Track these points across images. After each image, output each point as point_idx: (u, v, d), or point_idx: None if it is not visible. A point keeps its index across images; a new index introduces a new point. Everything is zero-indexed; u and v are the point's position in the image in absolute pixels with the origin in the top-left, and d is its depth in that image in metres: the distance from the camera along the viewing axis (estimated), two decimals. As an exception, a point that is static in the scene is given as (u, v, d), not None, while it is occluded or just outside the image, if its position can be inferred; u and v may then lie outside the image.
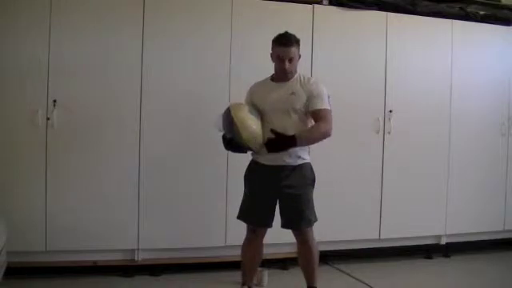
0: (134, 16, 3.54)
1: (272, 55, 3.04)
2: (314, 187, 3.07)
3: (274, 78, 3.08)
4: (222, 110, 3.25)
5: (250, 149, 2.98)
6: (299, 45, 3.03)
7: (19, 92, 3.40)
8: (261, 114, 2.99)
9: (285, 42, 2.96)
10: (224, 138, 3.03)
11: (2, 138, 3.38)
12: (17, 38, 3.37)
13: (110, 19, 3.51)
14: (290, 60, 2.97)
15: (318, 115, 2.96)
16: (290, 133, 2.92)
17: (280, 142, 2.90)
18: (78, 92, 3.48)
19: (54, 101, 3.41)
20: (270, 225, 3.06)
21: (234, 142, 2.95)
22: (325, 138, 2.98)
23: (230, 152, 3.22)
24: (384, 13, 4.08)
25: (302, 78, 3.03)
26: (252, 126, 2.91)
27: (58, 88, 3.43)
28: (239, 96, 3.18)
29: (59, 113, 3.43)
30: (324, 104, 2.97)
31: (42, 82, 3.41)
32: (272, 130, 2.91)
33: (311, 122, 3.02)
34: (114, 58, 3.53)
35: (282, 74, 3.02)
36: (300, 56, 3.07)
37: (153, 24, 3.57)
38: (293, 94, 2.96)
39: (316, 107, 2.96)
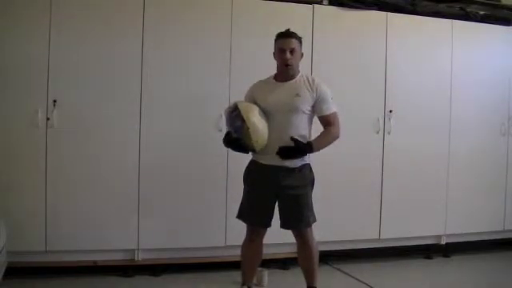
0: (134, 16, 3.54)
1: (274, 53, 3.05)
2: (313, 188, 3.08)
3: (276, 78, 3.07)
4: (222, 109, 3.27)
5: (254, 150, 2.97)
6: (301, 42, 3.05)
7: (19, 92, 3.40)
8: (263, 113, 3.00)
9: (285, 34, 3.01)
10: (229, 136, 2.99)
11: (2, 138, 3.38)
12: (17, 38, 3.37)
13: (110, 19, 3.51)
14: (292, 51, 2.97)
15: (328, 120, 3.01)
16: (293, 132, 2.93)
17: (297, 150, 2.92)
18: (78, 92, 3.48)
19: (54, 101, 3.42)
20: (269, 224, 3.06)
21: (239, 142, 2.93)
22: (334, 141, 3.04)
23: (229, 152, 3.22)
24: (384, 13, 4.09)
25: (305, 78, 3.02)
26: (262, 129, 2.91)
27: (57, 88, 3.43)
28: (239, 96, 3.17)
29: (59, 113, 3.43)
30: (332, 108, 3.01)
31: (41, 81, 3.41)
32: (292, 138, 2.90)
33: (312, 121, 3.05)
34: (113, 58, 3.53)
35: (284, 69, 3.00)
36: (302, 54, 3.08)
37: (153, 24, 3.57)
38: (297, 95, 2.96)
39: (325, 113, 3.00)
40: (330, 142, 3.03)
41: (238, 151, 3.02)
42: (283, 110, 2.95)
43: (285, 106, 2.95)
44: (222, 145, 3.04)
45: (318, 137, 3.01)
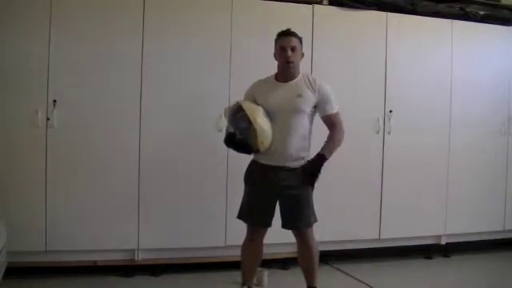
0: (134, 16, 3.54)
1: (275, 53, 3.04)
2: (313, 188, 3.07)
3: (277, 78, 3.05)
4: (222, 109, 3.26)
5: (258, 151, 2.96)
6: (302, 42, 3.05)
7: (19, 92, 3.40)
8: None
9: (286, 32, 3.02)
10: (232, 136, 2.93)
11: (2, 138, 3.38)
12: (17, 38, 3.37)
13: (110, 19, 3.51)
14: (293, 49, 2.97)
15: (331, 120, 3.04)
16: (294, 131, 2.94)
17: (315, 167, 2.98)
18: (78, 92, 3.48)
19: (54, 101, 3.42)
20: (269, 224, 3.06)
21: (245, 143, 2.91)
22: (342, 140, 3.09)
23: (229, 152, 3.22)
24: (384, 13, 4.08)
25: (307, 78, 3.02)
26: (267, 130, 2.90)
27: (57, 88, 3.43)
28: (239, 96, 3.17)
29: (59, 113, 3.43)
30: (334, 107, 3.05)
31: (41, 82, 3.41)
32: (307, 165, 2.99)
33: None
34: (113, 58, 3.53)
35: (286, 67, 2.98)
36: (303, 54, 3.08)
37: (153, 24, 3.56)
38: (300, 96, 2.95)
39: (328, 113, 3.03)
40: (339, 145, 3.07)
41: (241, 152, 3.01)
42: (285, 111, 2.94)
43: (287, 107, 2.95)
44: (222, 145, 3.03)
45: (328, 144, 3.02)
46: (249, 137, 2.88)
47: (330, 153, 3.02)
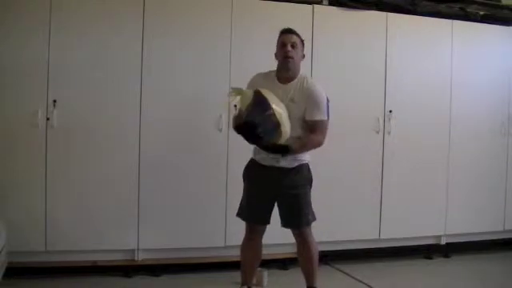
0: (134, 16, 3.54)
1: (276, 53, 3.02)
2: (311, 187, 3.07)
3: (278, 77, 3.00)
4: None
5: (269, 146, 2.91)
6: (303, 43, 3.03)
7: (19, 92, 3.39)
8: None
9: (287, 30, 3.00)
10: (252, 127, 2.76)
11: (2, 138, 3.38)
12: (17, 39, 3.37)
13: (110, 19, 3.51)
14: (293, 45, 2.95)
15: (314, 126, 2.94)
16: (293, 133, 2.88)
17: (273, 149, 2.89)
18: (78, 92, 3.48)
19: (54, 101, 3.41)
20: (267, 222, 3.06)
21: (265, 142, 2.82)
22: (316, 148, 3.00)
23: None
24: (384, 13, 4.08)
25: (302, 81, 2.97)
26: (289, 131, 2.84)
27: (57, 88, 3.43)
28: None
29: (59, 113, 3.43)
30: (322, 114, 2.94)
31: (41, 82, 3.41)
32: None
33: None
34: (114, 59, 3.53)
35: (285, 62, 2.94)
36: (304, 56, 3.06)
37: (153, 24, 3.56)
38: (292, 100, 2.91)
39: (313, 118, 2.93)
40: (310, 149, 3.00)
41: (249, 140, 2.86)
42: None
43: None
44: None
45: (298, 143, 2.91)
46: (272, 137, 2.80)
47: (297, 149, 2.91)
